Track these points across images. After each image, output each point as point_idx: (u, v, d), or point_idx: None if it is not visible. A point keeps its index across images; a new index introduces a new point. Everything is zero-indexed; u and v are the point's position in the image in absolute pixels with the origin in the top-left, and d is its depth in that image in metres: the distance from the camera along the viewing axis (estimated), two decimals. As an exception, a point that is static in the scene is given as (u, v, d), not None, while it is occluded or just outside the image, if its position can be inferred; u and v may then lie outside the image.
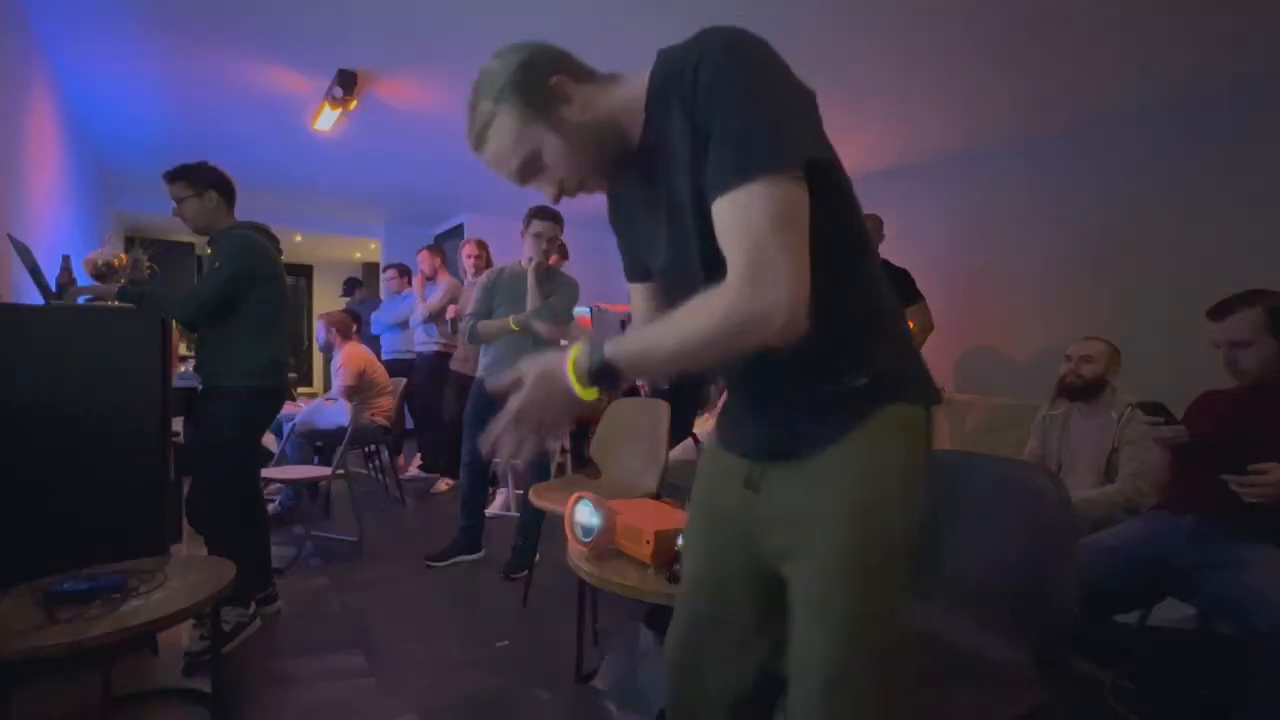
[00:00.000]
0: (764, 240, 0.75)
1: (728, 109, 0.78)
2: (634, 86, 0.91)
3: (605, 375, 0.83)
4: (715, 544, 1.06)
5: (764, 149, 0.76)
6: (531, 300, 2.96)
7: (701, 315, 0.78)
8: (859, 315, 0.88)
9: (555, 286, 3.04)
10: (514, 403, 0.87)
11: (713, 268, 0.80)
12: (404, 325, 5.03)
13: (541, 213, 2.99)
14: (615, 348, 0.83)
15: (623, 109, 0.91)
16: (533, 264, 2.97)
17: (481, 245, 4.36)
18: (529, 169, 0.93)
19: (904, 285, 3.48)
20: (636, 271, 1.11)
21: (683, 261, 0.92)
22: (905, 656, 0.90)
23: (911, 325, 3.49)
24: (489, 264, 4.18)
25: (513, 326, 2.99)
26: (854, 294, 0.87)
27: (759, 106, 0.78)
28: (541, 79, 0.89)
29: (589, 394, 0.85)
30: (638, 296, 1.11)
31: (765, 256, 0.75)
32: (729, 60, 0.79)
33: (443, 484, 4.66)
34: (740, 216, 0.76)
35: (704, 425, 3.71)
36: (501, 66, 0.90)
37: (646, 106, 0.89)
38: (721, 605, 1.05)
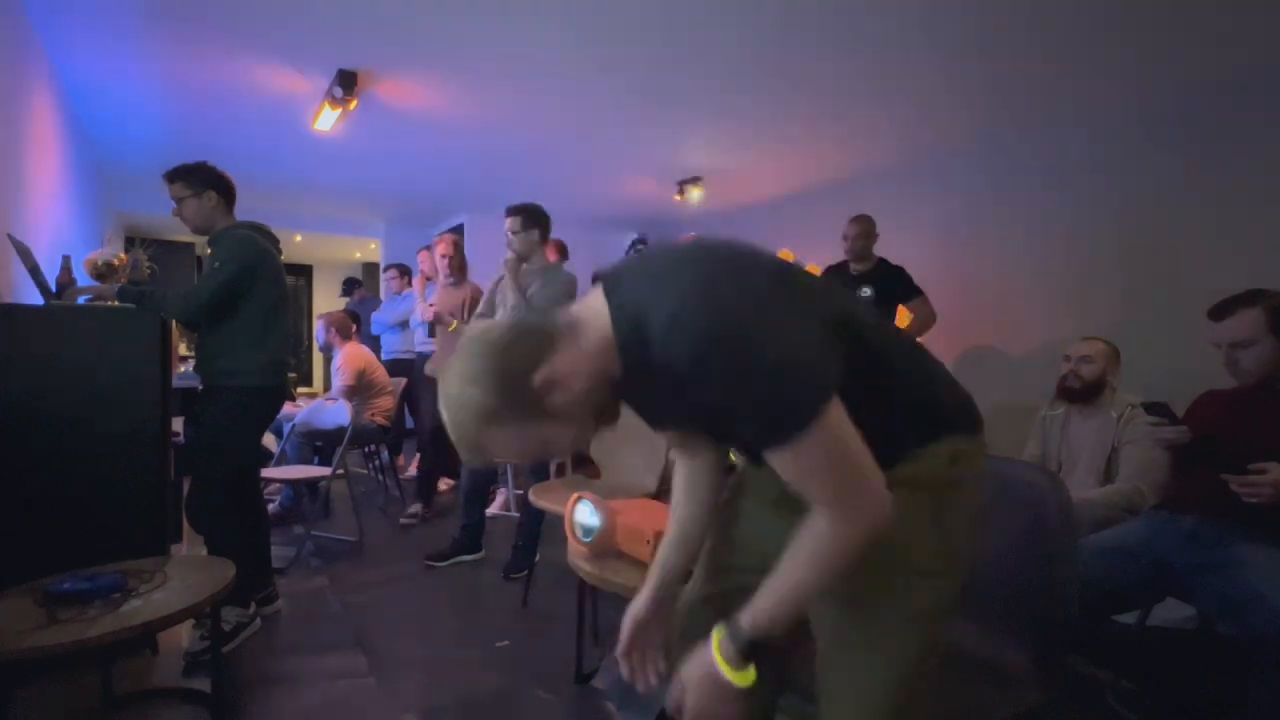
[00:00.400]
0: (835, 478, 0.79)
1: (736, 386, 0.77)
2: (599, 326, 0.85)
3: (756, 650, 0.85)
4: (737, 535, 1.12)
5: (795, 411, 0.76)
6: (511, 298, 2.95)
7: (822, 560, 0.82)
8: (896, 409, 0.91)
9: (540, 280, 3.02)
10: (687, 717, 0.89)
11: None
12: (404, 325, 5.02)
13: (510, 210, 3.01)
14: (754, 620, 0.85)
15: (602, 359, 0.85)
16: (505, 261, 2.98)
17: (455, 244, 4.00)
18: (540, 454, 0.93)
19: (901, 282, 3.49)
20: (654, 427, 1.11)
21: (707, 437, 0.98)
22: (932, 667, 0.91)
23: (910, 321, 3.49)
24: (463, 264, 4.02)
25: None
26: (894, 396, 0.90)
27: (765, 373, 0.75)
28: (525, 387, 0.81)
29: (747, 678, 0.86)
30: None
31: (843, 490, 0.80)
32: (709, 330, 0.75)
33: (441, 484, 4.65)
34: (803, 468, 0.80)
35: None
36: (478, 393, 0.81)
37: (619, 348, 0.85)
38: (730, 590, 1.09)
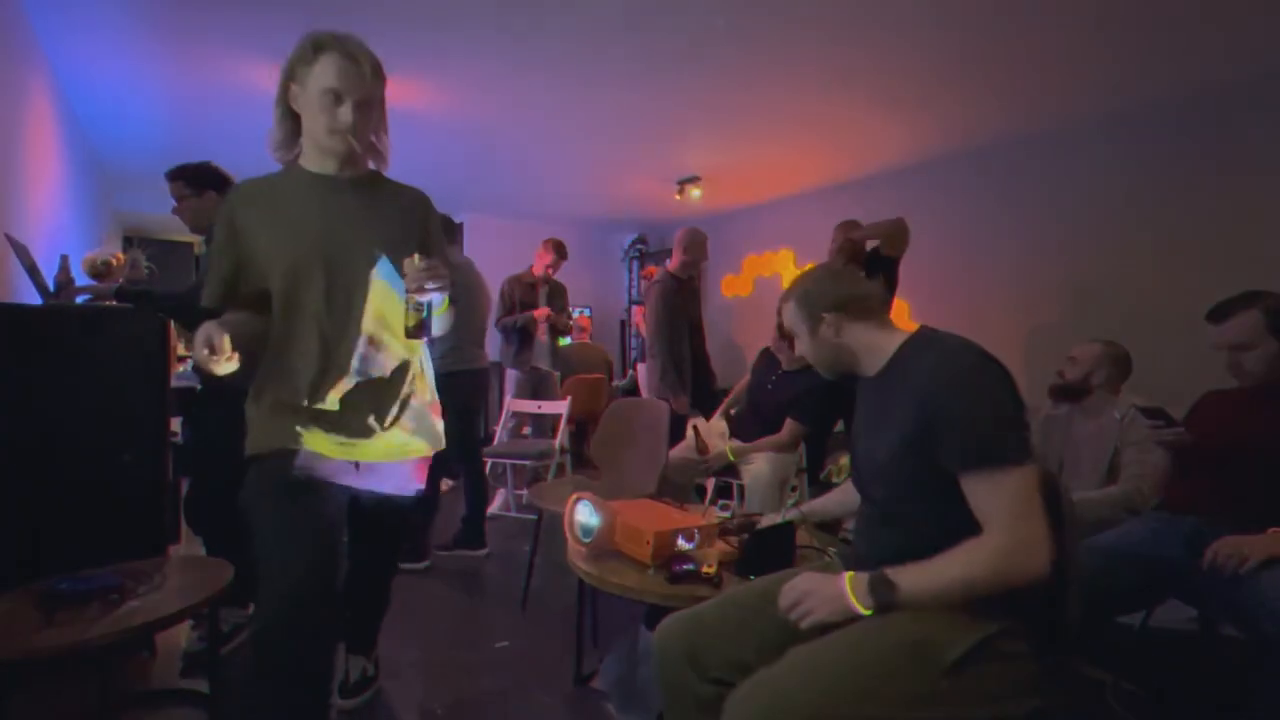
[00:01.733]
0: (1027, 512, 1.00)
1: (979, 402, 1.03)
2: (882, 342, 1.22)
3: (882, 600, 1.04)
4: None
5: (1020, 442, 1.02)
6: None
7: (970, 566, 1.01)
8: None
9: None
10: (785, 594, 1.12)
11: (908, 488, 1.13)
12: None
13: None
14: (898, 577, 1.04)
15: (866, 354, 1.24)
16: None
17: None
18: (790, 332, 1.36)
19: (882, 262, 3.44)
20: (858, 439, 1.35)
21: (882, 470, 1.18)
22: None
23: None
24: None
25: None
26: None
27: (1008, 407, 1.04)
28: (828, 303, 1.26)
29: (865, 611, 1.06)
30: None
31: (1031, 527, 0.99)
32: (977, 369, 1.05)
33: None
34: (1006, 492, 1.00)
35: (704, 422, 3.69)
36: (822, 285, 1.29)
37: (893, 361, 1.19)
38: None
